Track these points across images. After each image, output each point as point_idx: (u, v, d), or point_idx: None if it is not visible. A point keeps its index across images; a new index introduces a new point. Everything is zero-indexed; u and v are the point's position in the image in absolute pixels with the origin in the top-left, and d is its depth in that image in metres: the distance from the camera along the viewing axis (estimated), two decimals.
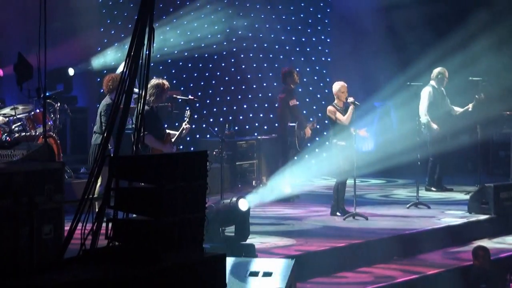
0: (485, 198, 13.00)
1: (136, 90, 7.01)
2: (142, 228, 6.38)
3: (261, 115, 17.44)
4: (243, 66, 17.43)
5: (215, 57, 17.33)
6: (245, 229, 10.06)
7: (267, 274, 8.59)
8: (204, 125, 15.68)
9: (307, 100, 17.50)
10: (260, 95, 17.47)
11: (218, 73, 17.44)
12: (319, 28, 18.85)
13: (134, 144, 7.00)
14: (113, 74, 12.14)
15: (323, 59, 18.76)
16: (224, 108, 17.33)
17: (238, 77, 17.49)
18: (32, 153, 7.68)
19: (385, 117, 17.78)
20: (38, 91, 8.31)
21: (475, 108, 14.85)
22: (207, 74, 17.39)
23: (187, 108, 11.26)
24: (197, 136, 16.47)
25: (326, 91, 16.04)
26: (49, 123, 12.77)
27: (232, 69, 17.49)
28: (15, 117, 12.59)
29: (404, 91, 15.40)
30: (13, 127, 12.53)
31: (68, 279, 5.88)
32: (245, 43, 17.53)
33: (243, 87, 17.54)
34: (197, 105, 13.59)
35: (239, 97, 17.55)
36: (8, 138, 12.22)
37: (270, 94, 16.87)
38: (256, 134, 16.65)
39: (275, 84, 16.38)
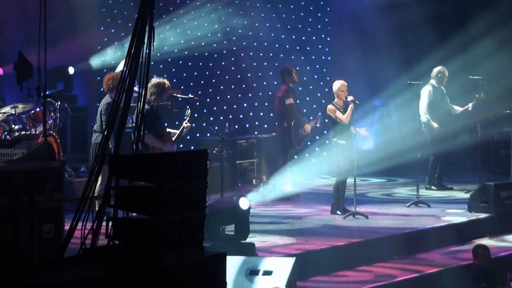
0: (485, 197, 13.01)
1: (136, 89, 7.01)
2: (142, 227, 6.37)
3: (261, 113, 17.44)
4: (243, 65, 17.42)
5: (215, 55, 17.32)
6: (245, 228, 10.06)
7: (267, 273, 8.59)
8: (204, 124, 15.68)
9: (307, 99, 17.50)
10: (260, 93, 17.47)
11: (218, 72, 17.44)
12: (319, 26, 18.84)
13: (134, 143, 7.00)
14: (113, 73, 12.14)
15: (323, 57, 18.76)
16: (224, 107, 17.33)
17: (238, 76, 17.50)
18: (32, 152, 7.67)
19: (385, 116, 17.78)
20: (38, 89, 8.32)
21: (475, 107, 14.85)
22: (207, 73, 17.38)
23: (187, 107, 11.25)
24: (197, 134, 16.47)
25: (326, 89, 16.05)
26: (49, 122, 12.77)
27: (232, 68, 17.49)
28: (15, 116, 12.59)
29: (405, 90, 15.40)
30: (13, 126, 12.54)
31: (68, 278, 5.88)
32: (245, 42, 17.53)
33: (243, 86, 17.54)
34: (197, 103, 13.59)
35: (239, 95, 17.55)
36: (8, 136, 12.22)
37: (270, 93, 16.88)
38: (256, 132, 16.66)
39: (275, 83, 16.38)
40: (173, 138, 10.80)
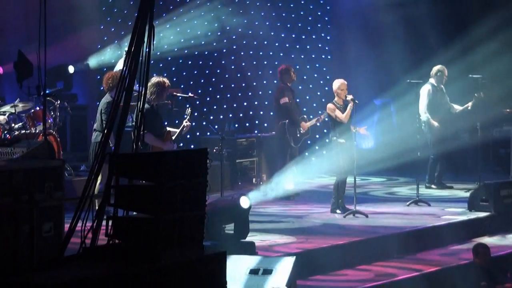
0: (485, 196, 12.99)
1: (136, 88, 7.01)
2: (142, 225, 6.38)
3: (261, 112, 17.43)
4: (243, 64, 17.42)
5: (215, 54, 17.32)
6: (245, 226, 10.05)
7: (268, 272, 8.58)
8: (204, 123, 15.66)
9: (307, 97, 17.49)
10: (260, 92, 17.46)
11: (218, 71, 17.43)
12: (319, 25, 18.83)
13: (134, 142, 7.00)
14: (113, 71, 12.14)
15: (323, 56, 18.75)
16: (224, 106, 17.33)
17: (238, 75, 17.49)
18: (32, 151, 7.67)
19: (386, 115, 17.77)
20: (38, 88, 8.33)
21: (474, 106, 14.84)
22: (207, 71, 17.38)
23: (187, 105, 11.23)
24: (197, 133, 16.46)
25: (326, 88, 16.04)
26: (49, 120, 12.77)
27: (232, 67, 17.49)
28: (15, 115, 12.59)
29: (405, 89, 15.38)
30: (13, 124, 12.53)
31: (68, 277, 5.88)
32: (245, 41, 17.52)
33: (243, 84, 17.53)
34: (197, 102, 13.61)
35: (239, 94, 17.55)
36: (8, 135, 12.22)
37: (270, 92, 16.84)
38: (256, 131, 16.65)
39: (275, 81, 16.36)
40: (173, 137, 10.80)
